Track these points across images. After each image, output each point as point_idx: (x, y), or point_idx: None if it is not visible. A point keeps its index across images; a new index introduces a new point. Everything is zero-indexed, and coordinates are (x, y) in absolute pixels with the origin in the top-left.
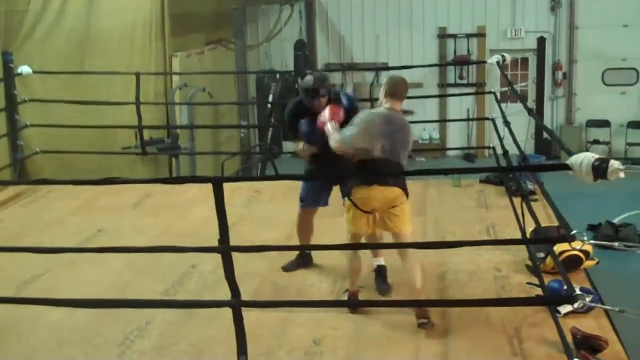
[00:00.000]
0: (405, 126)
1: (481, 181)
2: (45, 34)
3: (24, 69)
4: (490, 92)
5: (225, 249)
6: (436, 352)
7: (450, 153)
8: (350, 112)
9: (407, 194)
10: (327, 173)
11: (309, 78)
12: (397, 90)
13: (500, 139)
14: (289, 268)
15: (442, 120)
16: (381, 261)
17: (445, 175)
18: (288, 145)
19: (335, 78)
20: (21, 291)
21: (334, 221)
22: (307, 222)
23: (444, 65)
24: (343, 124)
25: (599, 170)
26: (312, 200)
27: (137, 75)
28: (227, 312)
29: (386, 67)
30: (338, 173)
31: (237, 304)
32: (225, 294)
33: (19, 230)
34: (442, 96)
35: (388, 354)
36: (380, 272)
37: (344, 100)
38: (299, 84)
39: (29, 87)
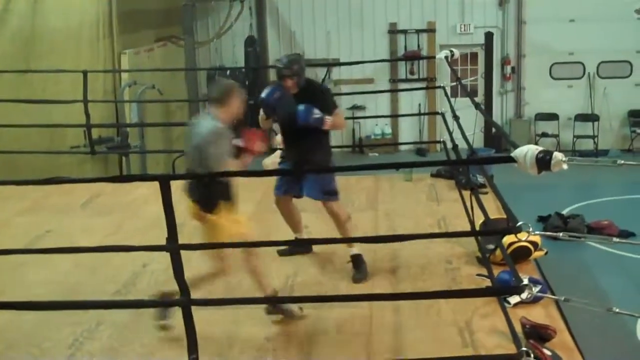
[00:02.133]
0: (200, 135)
1: (432, 175)
2: None
3: None
4: (439, 87)
5: (173, 247)
6: (388, 346)
7: (402, 148)
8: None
9: (203, 209)
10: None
11: (283, 59)
12: (215, 95)
13: (450, 133)
14: (284, 253)
15: (394, 116)
16: (354, 251)
17: (396, 169)
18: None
19: None
20: None
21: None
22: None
23: (395, 60)
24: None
25: (543, 162)
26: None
27: (85, 73)
28: (180, 311)
29: (337, 63)
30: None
31: (186, 303)
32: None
33: None
34: (393, 91)
35: (341, 348)
36: (354, 262)
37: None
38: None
39: None
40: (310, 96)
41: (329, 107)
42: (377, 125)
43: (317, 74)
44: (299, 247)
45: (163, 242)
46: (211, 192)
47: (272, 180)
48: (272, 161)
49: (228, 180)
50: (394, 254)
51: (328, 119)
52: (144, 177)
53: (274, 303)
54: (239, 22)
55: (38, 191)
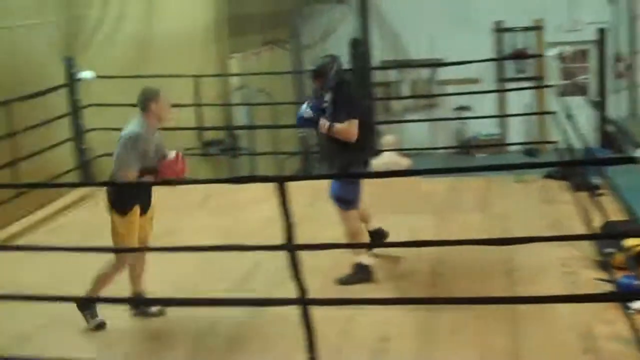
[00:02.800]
0: (120, 137)
1: (544, 177)
2: (105, 38)
3: (86, 74)
4: (550, 86)
5: (291, 247)
6: (504, 350)
7: (511, 148)
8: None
9: (111, 205)
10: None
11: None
12: (138, 100)
13: (564, 134)
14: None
15: (501, 116)
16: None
17: (507, 171)
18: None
19: (392, 75)
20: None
21: (394, 218)
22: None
23: (501, 59)
24: None
25: None
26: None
27: (196, 78)
28: (292, 310)
29: (442, 63)
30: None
31: (304, 302)
32: (289, 292)
33: (88, 230)
34: (500, 91)
35: (455, 351)
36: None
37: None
38: None
39: (91, 92)
40: (334, 100)
41: (341, 114)
42: (483, 126)
43: (421, 75)
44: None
45: (274, 241)
46: (117, 192)
47: (380, 180)
48: (380, 162)
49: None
50: (507, 256)
51: (323, 124)
52: (262, 179)
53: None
54: (344, 25)
55: (155, 192)
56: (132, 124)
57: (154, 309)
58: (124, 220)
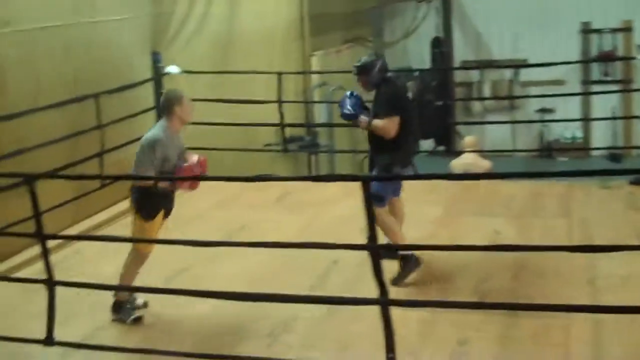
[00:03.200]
0: (142, 139)
1: (631, 183)
2: (190, 35)
3: (172, 69)
4: (639, 90)
5: (374, 246)
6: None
7: (594, 153)
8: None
9: (139, 214)
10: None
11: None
12: (160, 106)
13: None
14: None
15: (586, 119)
16: None
17: (591, 176)
18: (426, 144)
19: (473, 76)
20: (170, 282)
21: (475, 220)
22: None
23: (588, 62)
24: None
25: None
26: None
27: (279, 74)
28: (370, 309)
29: (525, 65)
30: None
31: (385, 302)
32: (366, 291)
33: (165, 223)
34: (585, 94)
35: (536, 358)
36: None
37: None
38: None
39: (176, 87)
40: (376, 97)
41: (381, 111)
42: (567, 129)
43: (503, 76)
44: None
45: (352, 241)
46: (139, 196)
47: (460, 182)
48: (459, 162)
49: (159, 191)
50: (590, 264)
51: (363, 120)
52: (350, 178)
53: None
54: (426, 23)
55: (232, 186)
56: (155, 128)
57: (139, 300)
58: (147, 224)
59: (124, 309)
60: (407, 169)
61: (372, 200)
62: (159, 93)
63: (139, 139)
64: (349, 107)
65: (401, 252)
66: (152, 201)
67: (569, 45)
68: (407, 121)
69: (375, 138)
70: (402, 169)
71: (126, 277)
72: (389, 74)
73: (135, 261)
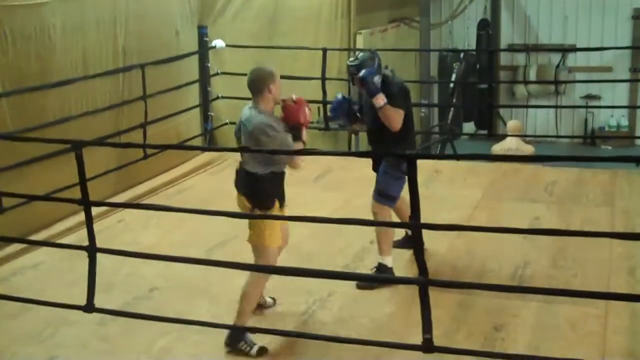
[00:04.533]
0: (245, 128)
1: None
2: (236, 11)
3: (218, 43)
4: None
5: (416, 225)
6: (624, 349)
7: (639, 142)
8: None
9: (260, 206)
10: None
11: (352, 58)
12: (249, 84)
13: None
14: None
15: (633, 107)
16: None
17: (636, 164)
18: (468, 127)
19: (519, 59)
20: (210, 254)
21: (514, 206)
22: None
23: (638, 48)
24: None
25: None
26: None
27: (324, 51)
28: (406, 289)
29: (574, 49)
30: None
31: (425, 282)
32: (400, 271)
33: (208, 196)
34: (633, 81)
35: (572, 347)
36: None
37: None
38: None
39: (220, 61)
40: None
41: (392, 102)
42: (612, 116)
43: (550, 60)
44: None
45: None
46: (260, 187)
47: (501, 166)
48: (501, 147)
49: (279, 176)
50: (630, 253)
51: (381, 98)
52: (394, 154)
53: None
54: (473, 5)
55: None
56: (251, 112)
57: (268, 299)
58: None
59: (244, 336)
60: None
61: (381, 199)
62: (204, 66)
63: (183, 111)
64: (376, 79)
65: (382, 262)
66: (265, 190)
67: (619, 31)
68: (410, 117)
69: (380, 136)
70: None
71: (253, 294)
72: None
73: (260, 278)
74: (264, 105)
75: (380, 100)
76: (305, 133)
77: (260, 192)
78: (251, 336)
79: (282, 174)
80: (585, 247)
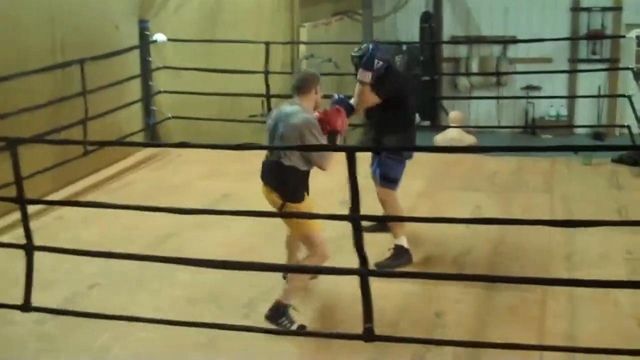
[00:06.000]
0: (286, 117)
1: (613, 160)
2: (178, 3)
3: (159, 37)
4: (627, 69)
5: (355, 217)
6: (562, 333)
7: (578, 131)
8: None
9: (293, 200)
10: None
11: (356, 50)
12: (298, 84)
13: (638, 117)
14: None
15: (572, 97)
16: (402, 242)
17: (574, 152)
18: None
19: (461, 51)
20: (152, 249)
21: (457, 195)
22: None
23: (577, 39)
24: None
25: None
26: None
27: (267, 44)
28: (350, 280)
29: (514, 40)
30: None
31: (365, 273)
32: (347, 262)
33: (150, 191)
34: (572, 72)
35: (512, 331)
36: (396, 251)
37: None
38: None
39: (162, 55)
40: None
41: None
42: (552, 106)
43: (492, 52)
44: (382, 226)
45: (334, 211)
46: (295, 181)
47: (443, 156)
48: (443, 138)
49: (307, 170)
50: (569, 239)
51: (368, 76)
52: (332, 148)
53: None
54: None
55: (217, 157)
56: (294, 109)
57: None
58: (303, 206)
59: (286, 313)
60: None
61: (387, 184)
62: (145, 61)
63: (124, 106)
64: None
65: (398, 243)
66: (298, 184)
67: (558, 23)
68: (411, 104)
69: (382, 121)
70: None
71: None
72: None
73: (316, 257)
74: (307, 106)
75: (366, 77)
76: (338, 140)
77: (294, 186)
78: (293, 314)
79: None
80: (526, 234)
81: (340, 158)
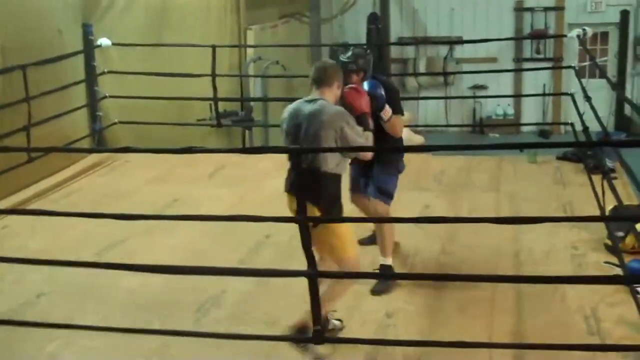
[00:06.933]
0: (317, 119)
1: (558, 158)
2: (124, 6)
3: (104, 41)
4: (569, 67)
5: (302, 219)
6: (510, 330)
7: (524, 129)
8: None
9: (329, 209)
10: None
11: (348, 54)
12: (318, 76)
13: (580, 115)
14: (364, 242)
15: (517, 95)
16: (387, 262)
17: (520, 150)
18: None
19: (408, 52)
20: (100, 257)
21: (405, 195)
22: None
23: (521, 39)
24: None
25: None
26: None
27: (213, 47)
28: (301, 282)
29: (460, 41)
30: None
31: (313, 274)
32: (298, 265)
33: (98, 198)
34: (518, 70)
35: (461, 329)
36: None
37: (366, 86)
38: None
39: (107, 59)
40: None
41: (394, 107)
42: (499, 105)
43: (438, 53)
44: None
45: (284, 214)
46: (333, 189)
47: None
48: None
49: (340, 172)
50: (516, 236)
51: (388, 110)
52: (277, 149)
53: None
54: None
55: (165, 162)
56: (320, 103)
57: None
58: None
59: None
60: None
61: (384, 197)
62: (90, 65)
63: (69, 112)
64: (381, 91)
65: (385, 264)
66: (336, 191)
67: (503, 23)
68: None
69: (382, 140)
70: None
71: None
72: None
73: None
74: (331, 99)
75: (388, 112)
76: (371, 122)
77: (332, 193)
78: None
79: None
80: (474, 233)
81: None
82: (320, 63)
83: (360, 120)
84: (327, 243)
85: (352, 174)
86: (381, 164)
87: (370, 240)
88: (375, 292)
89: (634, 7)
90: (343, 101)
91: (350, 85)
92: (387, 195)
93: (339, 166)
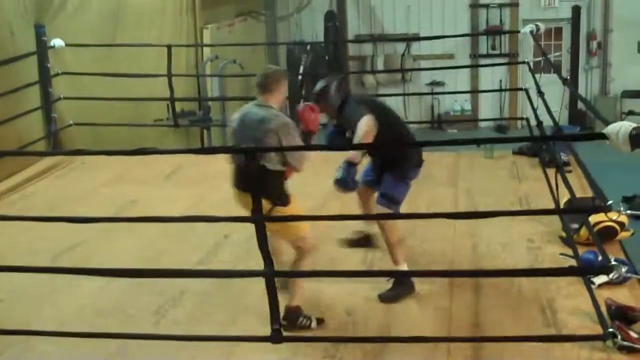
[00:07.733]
0: (260, 123)
1: (514, 152)
2: (77, 6)
3: (57, 42)
4: (523, 63)
5: (258, 218)
6: (469, 323)
7: (482, 124)
8: None
9: (282, 202)
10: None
11: (318, 86)
12: (261, 82)
13: (534, 110)
14: (350, 244)
15: (474, 91)
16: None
17: (477, 146)
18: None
19: (366, 49)
20: (57, 261)
21: None
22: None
23: (476, 35)
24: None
25: (637, 139)
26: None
27: (169, 47)
28: (260, 282)
29: (417, 38)
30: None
31: (270, 274)
32: (257, 264)
33: (54, 201)
34: (473, 66)
35: (421, 324)
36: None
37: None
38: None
39: (61, 60)
40: (344, 119)
41: (355, 121)
42: (456, 101)
43: (396, 50)
44: (365, 241)
45: (242, 214)
46: (280, 184)
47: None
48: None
49: (283, 171)
50: (473, 231)
51: (354, 154)
52: (232, 150)
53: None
54: None
55: (122, 163)
56: (262, 110)
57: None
58: (291, 208)
59: (300, 312)
60: (419, 168)
61: (392, 205)
62: (43, 67)
63: (23, 114)
64: (340, 174)
65: (399, 269)
66: (283, 186)
67: (458, 19)
68: (402, 125)
69: (383, 155)
70: (416, 168)
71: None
72: (352, 93)
73: (308, 257)
74: (276, 105)
75: (354, 157)
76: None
77: (281, 189)
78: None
79: None
80: (431, 227)
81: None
82: (265, 69)
83: (305, 137)
84: (282, 228)
85: (367, 167)
86: (392, 170)
87: (361, 243)
88: (383, 298)
89: (586, 3)
90: (297, 115)
91: (307, 103)
92: (391, 201)
93: (282, 167)
